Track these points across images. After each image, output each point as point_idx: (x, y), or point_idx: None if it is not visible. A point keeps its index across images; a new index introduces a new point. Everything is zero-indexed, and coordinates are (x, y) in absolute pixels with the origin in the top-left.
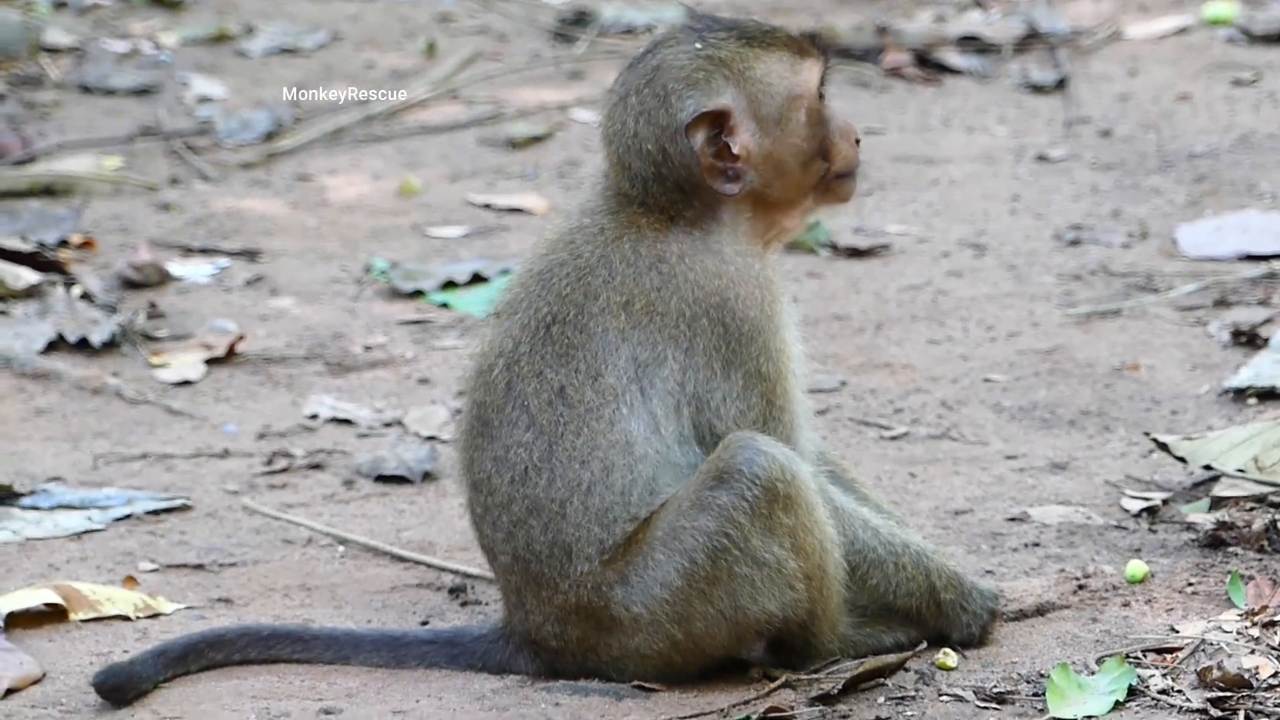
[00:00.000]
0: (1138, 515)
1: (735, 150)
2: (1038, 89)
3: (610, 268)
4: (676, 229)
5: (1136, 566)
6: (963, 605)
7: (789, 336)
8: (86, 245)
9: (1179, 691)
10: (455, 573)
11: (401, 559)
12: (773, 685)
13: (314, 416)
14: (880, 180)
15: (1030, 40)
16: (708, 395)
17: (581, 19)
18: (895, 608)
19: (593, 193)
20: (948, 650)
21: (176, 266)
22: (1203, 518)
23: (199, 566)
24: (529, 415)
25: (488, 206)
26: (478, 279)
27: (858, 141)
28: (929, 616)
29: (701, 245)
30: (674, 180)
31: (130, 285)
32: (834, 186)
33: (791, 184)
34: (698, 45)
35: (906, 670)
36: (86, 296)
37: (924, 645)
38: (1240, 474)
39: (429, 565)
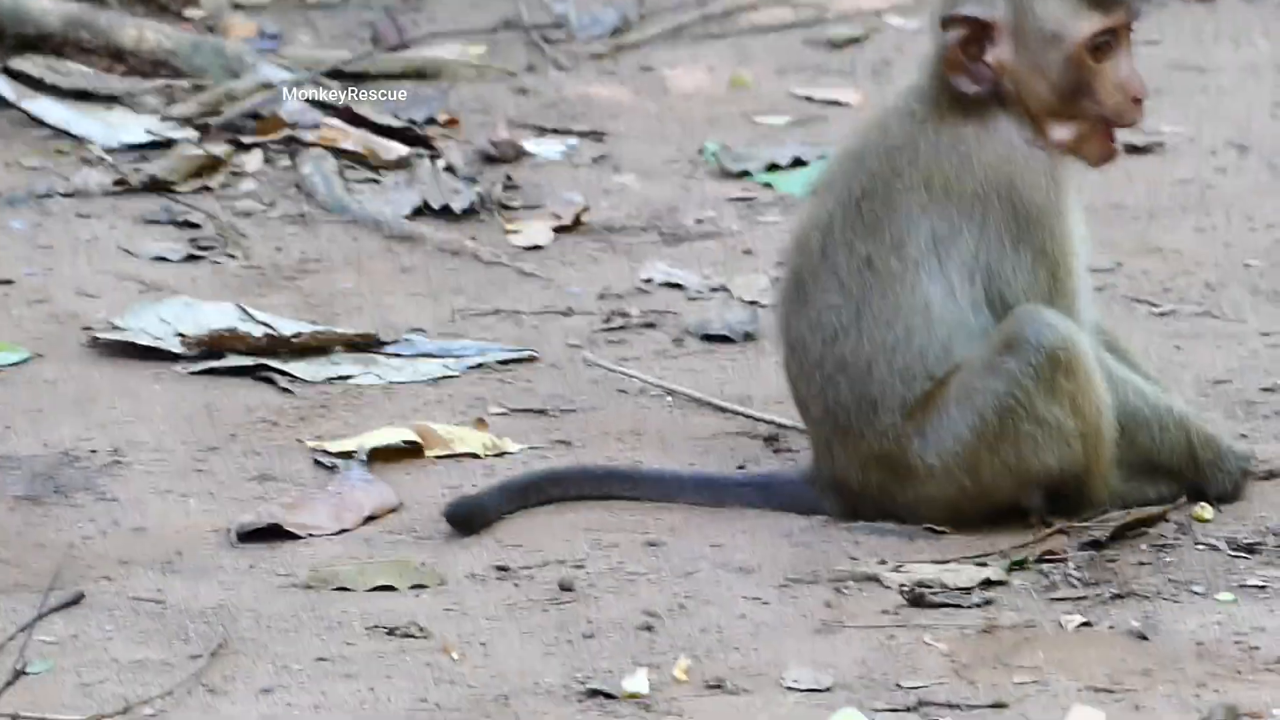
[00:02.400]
0: None
1: (988, 58)
2: None
3: (915, 148)
4: (973, 116)
5: None
6: (1219, 465)
7: (1073, 220)
8: (451, 123)
9: None
10: (770, 423)
11: (722, 409)
12: (1048, 531)
13: (649, 280)
14: (1156, 86)
15: None
16: (999, 267)
17: None
18: (1159, 464)
19: (918, 78)
20: (1204, 504)
21: (531, 144)
22: None
23: (542, 411)
24: (839, 281)
25: (809, 99)
26: (798, 163)
27: (1138, 101)
28: (1188, 473)
29: (994, 133)
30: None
31: (489, 160)
32: (1096, 134)
33: (1047, 108)
34: None
35: (1167, 521)
36: (450, 169)
37: (1183, 499)
38: None
39: (747, 415)
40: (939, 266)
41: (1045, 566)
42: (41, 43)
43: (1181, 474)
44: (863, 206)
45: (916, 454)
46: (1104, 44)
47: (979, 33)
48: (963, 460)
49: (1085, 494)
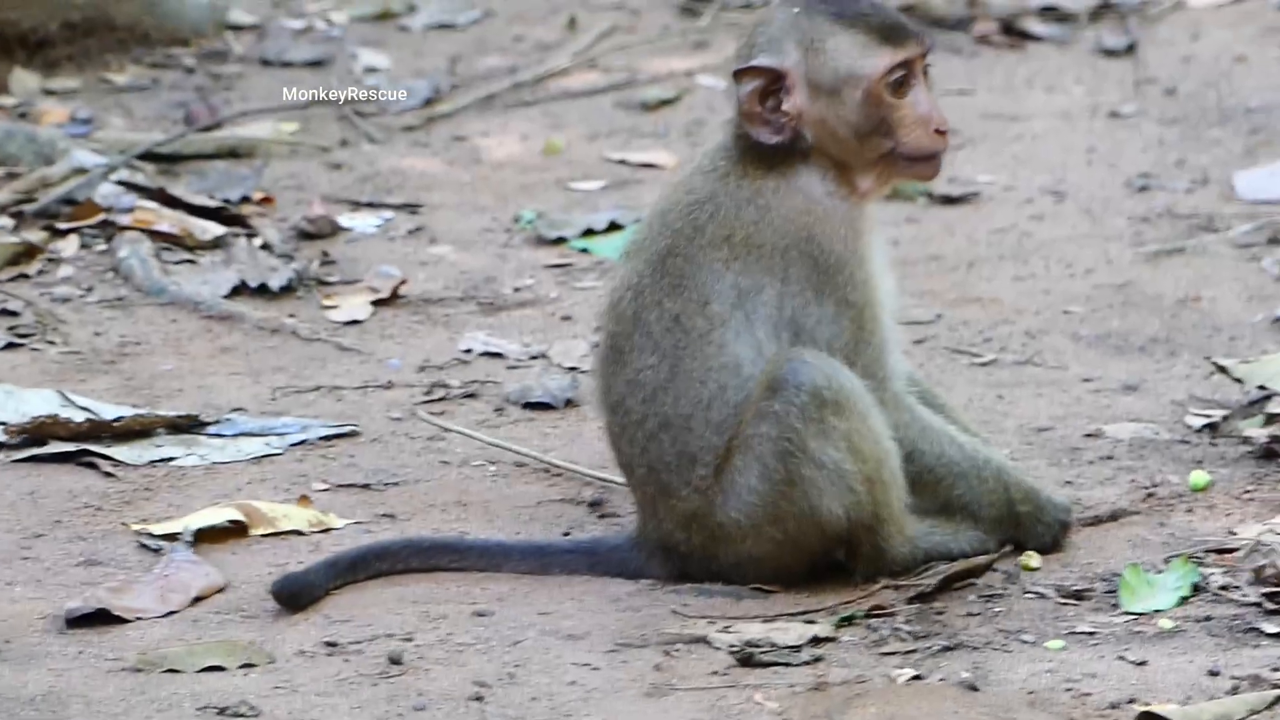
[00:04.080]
0: (1200, 430)
1: (785, 107)
2: (1110, 53)
3: (716, 203)
4: (774, 171)
5: (1199, 476)
6: (1038, 517)
7: (875, 269)
8: (266, 201)
9: (1237, 588)
10: (598, 480)
11: (548, 471)
12: (876, 586)
13: (468, 351)
14: (971, 135)
15: (1103, 10)
16: (803, 319)
17: None
18: (977, 518)
19: (722, 136)
20: (1031, 552)
21: (346, 219)
22: (1258, 432)
23: (366, 486)
24: (653, 341)
25: (623, 162)
26: (614, 227)
27: (941, 132)
28: (1008, 526)
29: (793, 186)
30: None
31: (305, 236)
32: (902, 166)
33: (850, 151)
34: (796, 10)
35: (995, 570)
36: (266, 247)
37: (1009, 548)
38: None
39: (575, 474)
40: (746, 321)
41: (874, 621)
42: None
43: (1001, 527)
44: (668, 265)
45: (722, 510)
46: (900, 79)
47: (773, 83)
48: (764, 511)
49: (881, 545)
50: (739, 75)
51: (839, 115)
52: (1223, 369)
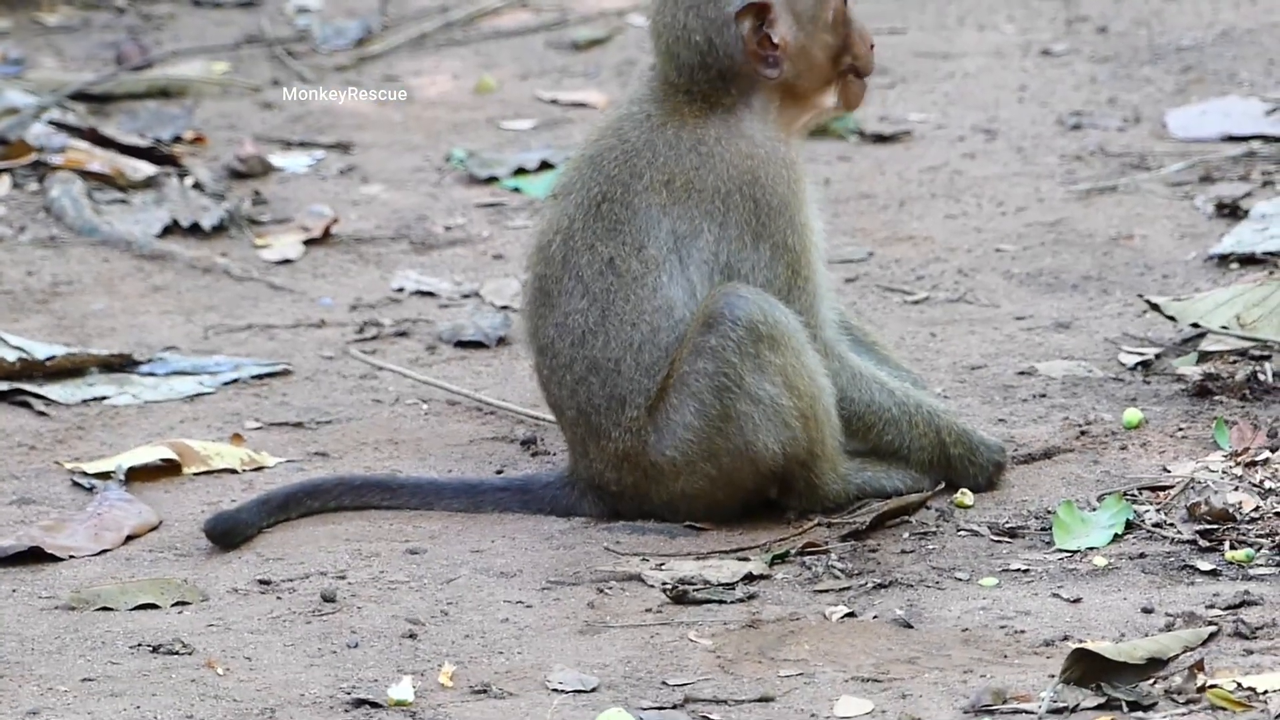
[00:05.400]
0: (1133, 368)
1: (775, 40)
2: None
3: (654, 150)
4: (714, 115)
5: (1132, 414)
6: (970, 459)
7: (812, 213)
8: (198, 141)
9: (1171, 525)
10: (531, 418)
11: (480, 409)
12: (809, 524)
13: (400, 290)
14: (902, 73)
15: None
16: (738, 264)
17: None
18: (909, 461)
19: (640, 84)
20: (965, 490)
21: (278, 158)
22: (1191, 369)
23: (298, 424)
24: (584, 285)
25: (554, 102)
26: (545, 166)
27: (872, 46)
28: (941, 468)
29: (736, 130)
30: (718, 69)
31: (237, 176)
32: (851, 85)
33: (818, 75)
34: None
35: (928, 508)
36: (198, 186)
37: (942, 486)
38: (1224, 330)
39: (507, 411)
40: (680, 265)
41: (807, 559)
42: None
43: (934, 468)
44: (603, 209)
45: (655, 449)
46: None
47: (760, 17)
48: (698, 448)
49: (815, 482)
50: (739, 15)
51: (817, 37)
52: (1155, 307)
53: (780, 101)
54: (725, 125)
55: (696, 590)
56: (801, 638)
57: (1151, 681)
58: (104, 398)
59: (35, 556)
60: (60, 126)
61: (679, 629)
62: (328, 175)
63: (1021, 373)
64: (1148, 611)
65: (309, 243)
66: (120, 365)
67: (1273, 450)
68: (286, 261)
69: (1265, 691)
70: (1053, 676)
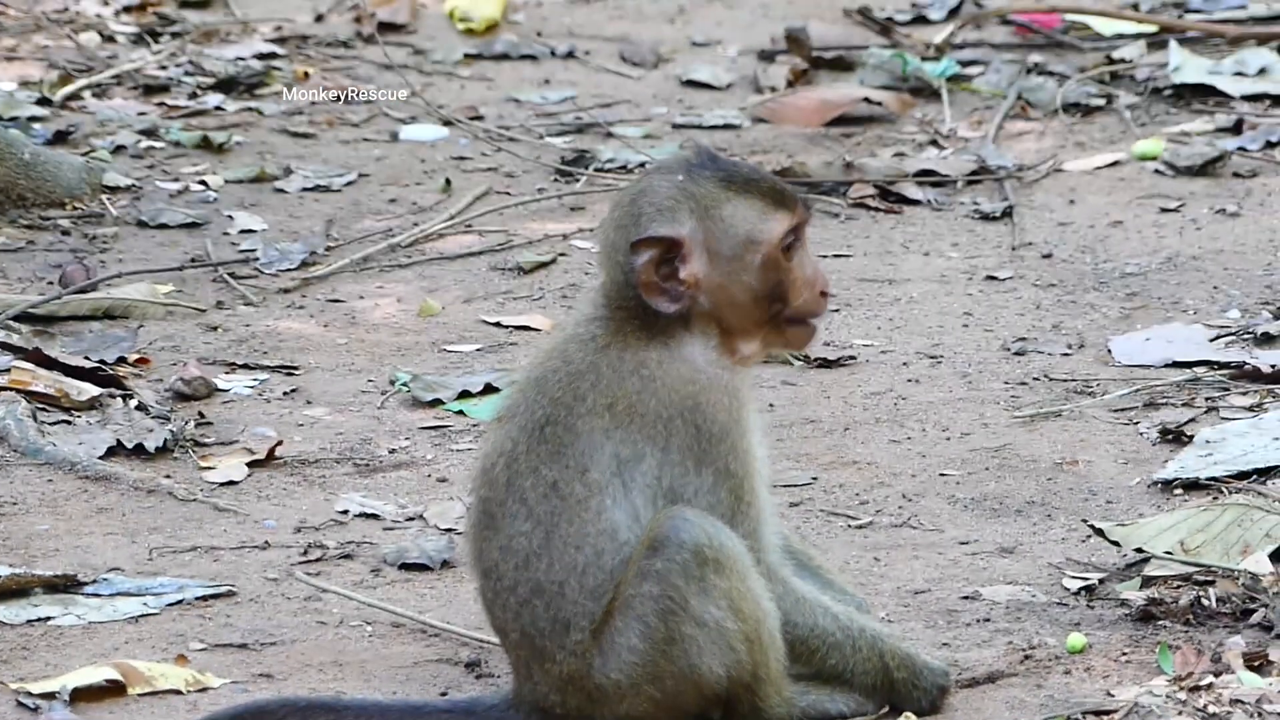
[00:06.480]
0: (1077, 593)
1: (682, 275)
2: (987, 217)
3: (598, 373)
4: (656, 339)
5: (1076, 638)
6: (914, 683)
7: (755, 440)
8: (142, 362)
9: None
10: (473, 639)
11: (425, 632)
12: None
13: (345, 512)
14: (847, 299)
15: (980, 174)
16: (681, 488)
17: (581, 158)
18: (854, 685)
19: (587, 303)
20: (909, 714)
21: (222, 381)
22: (1135, 594)
23: (243, 646)
24: (528, 508)
25: (499, 325)
26: (490, 389)
27: (824, 294)
28: (884, 692)
29: (677, 355)
30: (635, 292)
31: (181, 397)
32: (789, 330)
33: (744, 316)
34: (680, 178)
35: None
36: (142, 408)
37: (885, 710)
38: (1168, 556)
39: (452, 634)
40: (623, 488)
41: None
42: None
43: (878, 693)
44: (546, 433)
45: (600, 671)
46: (791, 243)
47: (669, 251)
48: (642, 672)
49: (759, 706)
50: (636, 246)
51: (738, 280)
52: (1099, 532)
53: (717, 333)
54: (666, 349)
55: None
56: None
57: None
58: (48, 618)
59: None
60: (4, 347)
61: None
62: (272, 397)
63: (965, 597)
64: None
65: (253, 465)
66: (65, 586)
67: (1216, 675)
68: (231, 483)
69: None
70: None
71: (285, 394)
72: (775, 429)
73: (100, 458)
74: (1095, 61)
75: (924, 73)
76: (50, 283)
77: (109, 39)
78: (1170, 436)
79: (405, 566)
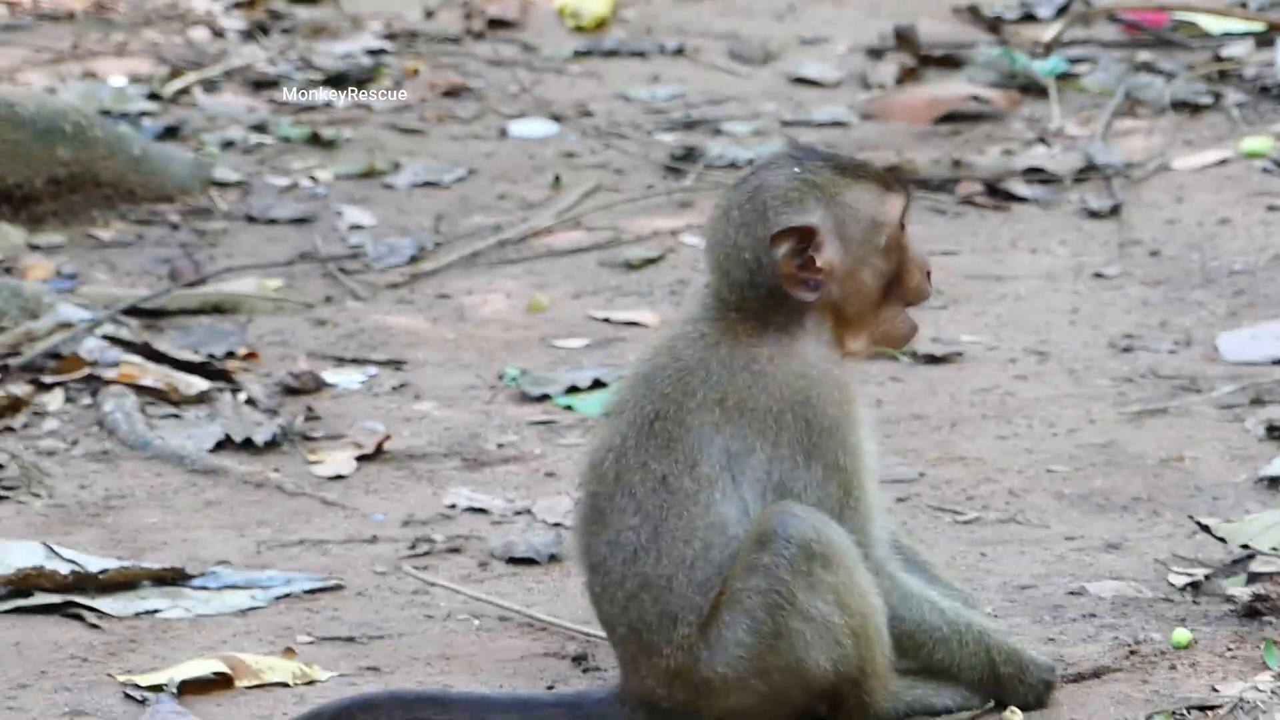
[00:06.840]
0: (1183, 589)
1: (819, 263)
2: (1094, 215)
3: (708, 369)
4: (767, 335)
5: (1182, 634)
6: (1020, 678)
7: (864, 434)
8: (251, 356)
9: None
10: (581, 634)
11: (533, 625)
12: None
13: (453, 506)
14: (955, 295)
15: (1088, 172)
16: (791, 483)
17: (690, 154)
18: (959, 680)
19: (694, 302)
20: (1014, 708)
21: (330, 375)
22: (1240, 590)
23: (350, 639)
24: (636, 502)
25: (607, 321)
26: (598, 384)
27: (928, 275)
28: (990, 687)
29: (789, 350)
30: (766, 287)
31: (290, 391)
32: (898, 321)
33: (866, 301)
34: (795, 169)
35: None
36: (251, 401)
37: (991, 704)
38: (1274, 552)
39: (559, 628)
40: (733, 483)
41: None
42: None
43: (984, 687)
44: (656, 428)
45: (707, 665)
46: (904, 223)
47: (803, 241)
48: (749, 666)
49: (866, 700)
50: (775, 240)
51: (867, 262)
52: (1206, 528)
53: (833, 323)
54: (778, 345)
55: None
56: None
57: None
58: (156, 611)
59: None
60: (114, 341)
61: None
62: (380, 392)
63: (1071, 593)
64: None
65: (361, 459)
66: (173, 579)
67: None
68: (339, 477)
69: None
70: None
71: (393, 389)
72: (883, 425)
73: (209, 451)
74: (1203, 59)
75: (1032, 70)
76: (159, 277)
77: (218, 34)
78: (1277, 433)
79: (513, 560)
